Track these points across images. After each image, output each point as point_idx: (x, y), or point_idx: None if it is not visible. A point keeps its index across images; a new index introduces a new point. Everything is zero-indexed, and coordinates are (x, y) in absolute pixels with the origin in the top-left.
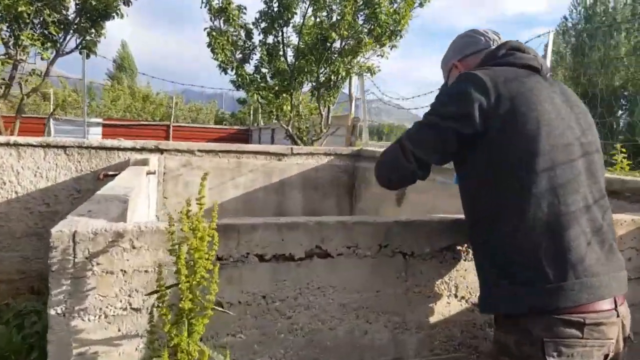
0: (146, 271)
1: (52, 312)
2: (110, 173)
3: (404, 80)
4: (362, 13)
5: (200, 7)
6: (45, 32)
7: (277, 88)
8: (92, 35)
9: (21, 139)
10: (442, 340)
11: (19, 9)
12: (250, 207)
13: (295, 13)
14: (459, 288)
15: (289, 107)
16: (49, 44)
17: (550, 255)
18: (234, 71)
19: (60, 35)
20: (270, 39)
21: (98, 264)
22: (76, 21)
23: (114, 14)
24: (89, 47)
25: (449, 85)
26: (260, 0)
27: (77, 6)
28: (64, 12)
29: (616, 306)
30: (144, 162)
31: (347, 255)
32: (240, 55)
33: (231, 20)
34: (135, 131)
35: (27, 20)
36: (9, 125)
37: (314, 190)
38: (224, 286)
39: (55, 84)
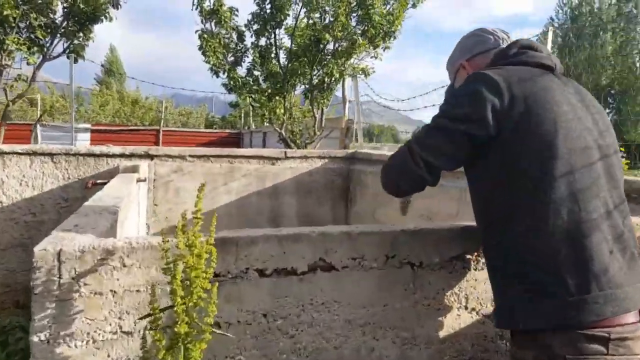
0: (138, 291)
1: (35, 338)
2: (99, 181)
3: (394, 81)
4: (355, 14)
5: (192, 9)
6: (32, 36)
7: (270, 91)
8: (80, 39)
9: (6, 147)
10: (453, 355)
11: (4, 13)
12: (243, 212)
13: (288, 15)
14: (469, 299)
15: (282, 110)
16: (35, 49)
17: (571, 265)
18: (226, 74)
19: (47, 39)
20: (262, 41)
21: (86, 284)
22: (64, 25)
23: (103, 18)
24: (76, 51)
25: (456, 86)
26: (253, 2)
27: (65, 9)
28: (51, 15)
29: None
30: (134, 169)
31: (352, 268)
32: (232, 58)
33: (223, 23)
34: (124, 136)
35: (13, 24)
36: None
37: (309, 194)
38: (222, 305)
39: (42, 90)
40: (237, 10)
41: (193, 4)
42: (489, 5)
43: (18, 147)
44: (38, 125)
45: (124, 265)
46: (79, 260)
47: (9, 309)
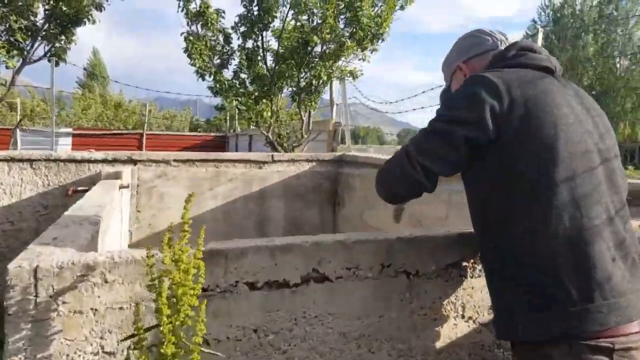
0: (121, 308)
1: None
2: (80, 189)
3: (380, 83)
4: (343, 16)
5: (177, 12)
6: (11, 39)
7: (256, 94)
8: (62, 42)
9: None
10: None
11: None
12: (230, 217)
13: (276, 17)
14: (465, 308)
15: (269, 113)
16: (15, 52)
17: (572, 273)
18: (212, 77)
19: (27, 42)
20: (249, 44)
21: (64, 302)
22: (45, 28)
23: (86, 20)
24: (58, 54)
25: (452, 88)
26: (240, 3)
27: (46, 12)
28: (32, 18)
29: None
30: (117, 176)
31: (346, 278)
32: (219, 61)
33: (209, 25)
34: (107, 140)
35: None
36: None
37: (296, 198)
38: (210, 321)
39: (23, 94)
40: (223, 12)
41: (179, 6)
42: (472, 8)
43: None
44: (18, 130)
45: (106, 282)
46: (57, 277)
47: None
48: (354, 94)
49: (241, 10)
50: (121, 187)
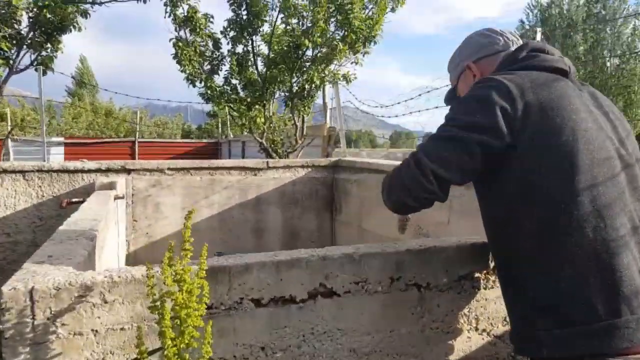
0: (122, 329)
1: None
2: (74, 200)
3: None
4: (334, 19)
5: (164, 17)
6: None
7: (249, 100)
8: (48, 51)
9: None
10: None
11: None
12: (226, 226)
13: (266, 21)
14: (479, 320)
15: (262, 119)
16: (0, 61)
17: (597, 286)
18: (203, 83)
19: (12, 51)
20: (239, 49)
21: (63, 324)
22: (30, 36)
23: (72, 27)
24: (45, 63)
25: (459, 89)
26: (228, 8)
27: (30, 19)
28: (16, 26)
29: None
30: (111, 186)
31: (355, 293)
32: (209, 67)
33: (198, 30)
34: (99, 149)
35: None
36: None
37: (293, 204)
38: (216, 340)
39: (13, 103)
40: (212, 17)
41: (166, 12)
42: (456, 10)
43: None
44: (9, 140)
45: (105, 302)
46: (55, 299)
47: None
48: (347, 98)
49: (230, 14)
50: (116, 197)
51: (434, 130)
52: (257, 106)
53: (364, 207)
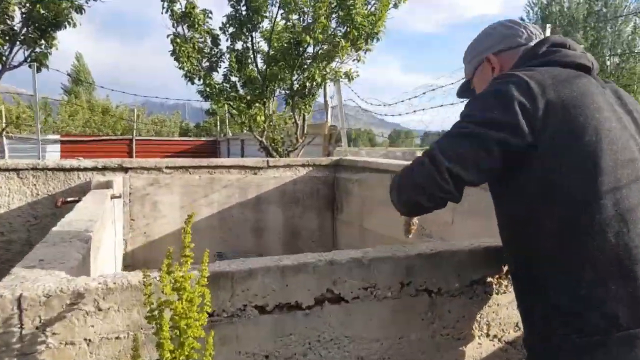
0: (118, 338)
1: None
2: (69, 199)
3: (368, 86)
4: (335, 15)
5: (162, 13)
6: None
7: (248, 97)
8: (42, 47)
9: None
10: None
11: None
12: (226, 225)
13: (265, 17)
14: (490, 326)
15: (262, 118)
16: None
17: (618, 294)
18: (201, 80)
19: (5, 47)
20: (239, 45)
21: (54, 333)
22: (23, 32)
23: (66, 23)
24: (39, 59)
25: (474, 82)
26: (227, 3)
27: (24, 15)
28: (9, 21)
29: None
30: (107, 185)
31: (363, 298)
32: (207, 64)
33: (196, 26)
34: (96, 146)
35: None
36: None
37: (294, 204)
38: (217, 348)
39: (8, 101)
40: (210, 12)
41: (163, 7)
42: (456, 7)
43: None
44: (4, 138)
45: (100, 309)
46: (45, 307)
47: None
48: (348, 96)
49: (229, 10)
50: (112, 197)
51: (437, 129)
52: (257, 104)
53: (365, 207)
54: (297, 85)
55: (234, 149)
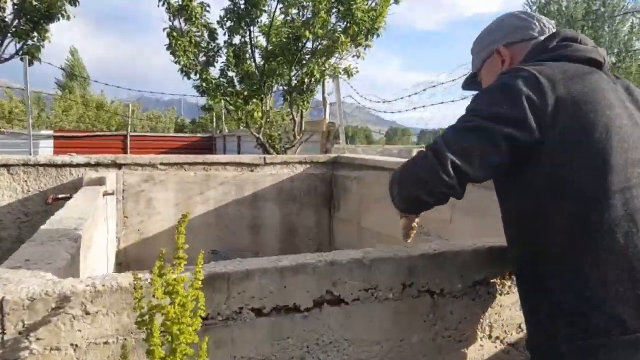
0: (106, 343)
1: None
2: (60, 196)
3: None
4: (335, 10)
5: (158, 6)
6: None
7: (245, 93)
8: (35, 40)
9: None
10: None
11: None
12: (222, 222)
13: (264, 11)
14: (493, 327)
15: (259, 114)
16: None
17: (626, 296)
18: (198, 75)
19: None
20: (237, 40)
21: (38, 339)
22: (14, 24)
23: (59, 15)
24: (31, 52)
25: (482, 74)
26: None
27: (15, 6)
28: (0, 13)
29: None
30: (100, 182)
31: (364, 300)
32: (204, 58)
33: (193, 19)
34: (90, 142)
35: None
36: None
37: (291, 201)
38: (212, 352)
39: (0, 95)
40: (208, 5)
41: (159, 0)
42: (454, 7)
43: None
44: None
45: (87, 313)
46: (28, 310)
47: None
48: (347, 93)
49: (227, 3)
50: (105, 194)
51: (437, 126)
52: (254, 100)
53: (363, 204)
54: (296, 81)
55: (230, 146)
